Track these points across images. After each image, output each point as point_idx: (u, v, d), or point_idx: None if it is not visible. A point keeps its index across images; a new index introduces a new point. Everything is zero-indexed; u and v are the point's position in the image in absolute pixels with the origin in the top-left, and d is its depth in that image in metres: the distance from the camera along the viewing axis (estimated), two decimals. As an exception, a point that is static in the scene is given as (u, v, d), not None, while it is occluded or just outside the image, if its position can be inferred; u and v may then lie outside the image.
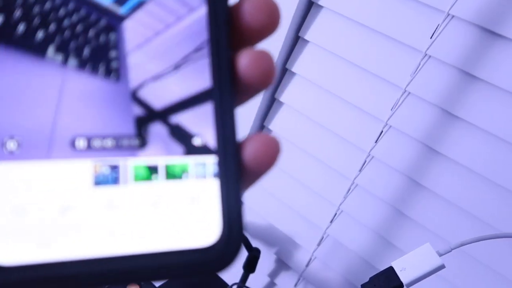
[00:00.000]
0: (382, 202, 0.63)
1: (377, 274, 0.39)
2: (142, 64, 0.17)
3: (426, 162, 0.59)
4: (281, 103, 0.70)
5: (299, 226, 0.72)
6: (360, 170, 0.64)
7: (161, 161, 0.16)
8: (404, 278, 0.37)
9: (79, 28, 0.16)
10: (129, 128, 0.16)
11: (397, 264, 0.38)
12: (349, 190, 0.66)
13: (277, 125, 0.71)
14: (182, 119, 0.17)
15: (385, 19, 0.58)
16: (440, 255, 0.37)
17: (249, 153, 0.17)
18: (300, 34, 0.66)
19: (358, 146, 0.63)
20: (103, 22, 0.16)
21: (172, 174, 0.16)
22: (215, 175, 0.17)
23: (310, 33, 0.65)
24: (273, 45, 0.66)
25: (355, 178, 0.64)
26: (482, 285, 0.55)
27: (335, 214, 0.68)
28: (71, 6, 0.16)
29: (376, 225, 0.64)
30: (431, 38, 0.55)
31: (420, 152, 0.59)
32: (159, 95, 0.17)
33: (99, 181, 0.15)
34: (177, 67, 0.17)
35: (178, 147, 0.17)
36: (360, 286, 0.39)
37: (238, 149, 0.17)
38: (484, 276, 0.55)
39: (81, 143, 0.16)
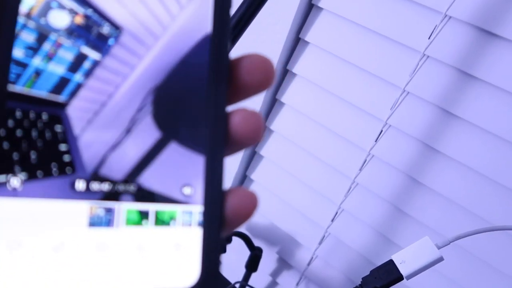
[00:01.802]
0: (382, 200, 0.64)
1: (377, 267, 0.40)
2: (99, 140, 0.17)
3: (425, 160, 0.59)
4: (282, 104, 0.72)
5: (300, 225, 0.73)
6: (360, 169, 0.65)
7: (152, 207, 0.17)
8: (404, 270, 0.38)
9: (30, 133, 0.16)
10: (123, 176, 0.17)
11: (397, 257, 0.39)
12: (349, 189, 0.67)
13: (279, 126, 0.72)
14: (175, 169, 0.18)
15: (383, 21, 0.59)
16: (439, 247, 0.38)
17: (231, 206, 0.18)
18: (300, 36, 0.67)
19: (358, 145, 0.64)
20: (45, 116, 0.17)
21: (161, 220, 0.17)
22: (199, 224, 0.18)
23: (311, 35, 0.66)
24: (274, 46, 0.67)
25: (355, 177, 0.65)
26: (478, 280, 0.56)
27: (336, 212, 0.69)
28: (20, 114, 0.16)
29: (377, 223, 0.64)
30: (429, 38, 0.56)
31: (419, 150, 0.60)
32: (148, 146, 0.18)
33: (93, 223, 0.17)
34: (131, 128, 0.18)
35: (169, 195, 0.18)
36: (361, 279, 0.40)
37: (222, 201, 0.18)
38: (481, 270, 0.56)
39: (80, 185, 0.17)
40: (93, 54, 0.17)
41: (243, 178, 0.79)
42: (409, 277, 0.38)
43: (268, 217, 0.76)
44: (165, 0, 0.18)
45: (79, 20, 0.16)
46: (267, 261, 0.77)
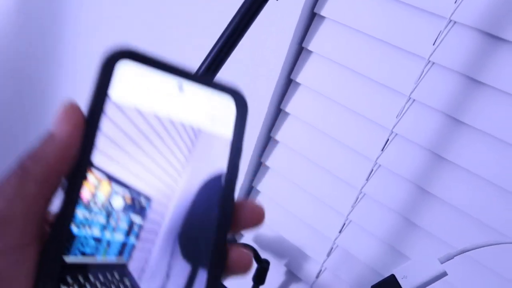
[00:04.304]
0: (390, 211, 0.63)
1: (378, 282, 0.38)
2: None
3: (433, 169, 0.58)
4: (286, 114, 0.71)
5: (308, 237, 0.71)
6: (367, 179, 0.63)
7: None
8: (406, 286, 0.36)
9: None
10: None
11: (399, 272, 0.37)
12: (357, 199, 0.65)
13: (283, 136, 0.71)
14: (183, 280, 0.23)
15: (387, 28, 0.58)
16: (442, 262, 0.37)
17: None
18: (303, 45, 0.66)
19: (364, 155, 0.63)
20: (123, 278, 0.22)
21: None
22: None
23: (314, 44, 0.65)
24: (277, 56, 0.66)
25: (362, 187, 0.64)
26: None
27: (344, 224, 0.67)
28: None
29: (385, 235, 0.63)
30: (433, 44, 0.55)
31: (426, 159, 0.58)
32: None
33: None
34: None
35: None
36: (361, 295, 0.39)
37: None
38: (492, 282, 0.54)
39: None
40: (138, 220, 0.22)
41: (250, 189, 0.78)
42: (411, 293, 0.36)
43: (275, 229, 0.75)
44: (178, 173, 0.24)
45: (128, 199, 0.22)
46: (275, 274, 0.75)
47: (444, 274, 0.36)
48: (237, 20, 0.41)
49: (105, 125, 0.21)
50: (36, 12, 1.05)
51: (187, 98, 0.23)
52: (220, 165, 0.24)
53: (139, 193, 0.23)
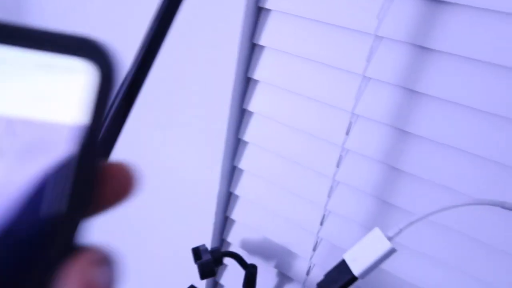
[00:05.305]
0: (366, 195, 0.61)
1: (331, 269, 0.36)
2: None
3: (400, 145, 0.56)
4: (251, 113, 0.69)
5: (291, 235, 0.69)
6: (337, 166, 0.62)
7: None
8: (356, 269, 0.34)
9: None
10: None
11: (349, 256, 0.35)
12: (331, 188, 0.63)
13: (250, 135, 0.69)
14: None
15: (330, 10, 0.57)
16: (390, 238, 0.35)
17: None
18: (254, 41, 0.65)
19: (331, 141, 0.61)
20: None
21: None
22: None
23: (264, 38, 0.64)
24: (228, 56, 0.65)
25: (334, 175, 0.62)
26: (459, 252, 0.51)
27: (323, 215, 0.65)
28: None
29: (365, 219, 0.61)
30: (377, 18, 0.53)
31: (392, 135, 0.56)
32: None
33: None
34: None
35: None
36: (316, 285, 0.37)
37: None
38: (461, 243, 0.51)
39: None
40: None
41: (228, 195, 0.77)
42: (362, 275, 0.34)
43: (259, 231, 0.73)
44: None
45: None
46: (266, 277, 0.74)
47: (392, 250, 0.34)
48: (156, 23, 0.40)
49: None
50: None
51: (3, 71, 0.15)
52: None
53: None
